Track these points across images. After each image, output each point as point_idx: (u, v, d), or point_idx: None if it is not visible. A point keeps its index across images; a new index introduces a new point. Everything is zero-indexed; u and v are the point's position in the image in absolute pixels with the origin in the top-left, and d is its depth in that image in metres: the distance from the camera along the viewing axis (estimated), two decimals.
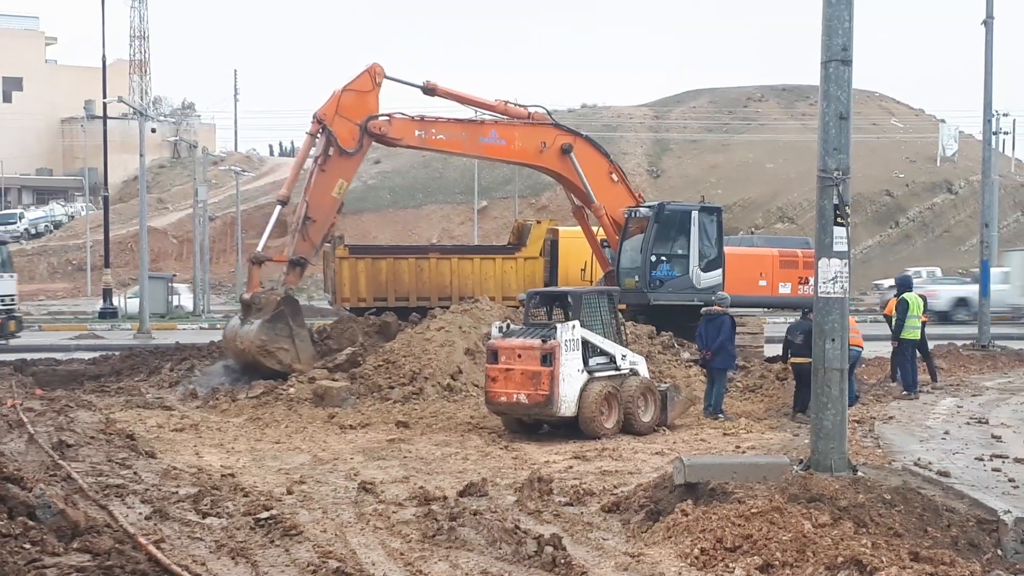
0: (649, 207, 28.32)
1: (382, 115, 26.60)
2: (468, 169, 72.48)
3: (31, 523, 10.59)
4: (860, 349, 21.55)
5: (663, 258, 27.56)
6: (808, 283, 27.75)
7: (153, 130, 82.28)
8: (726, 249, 28.63)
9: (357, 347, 24.92)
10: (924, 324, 24.12)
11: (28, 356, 31.33)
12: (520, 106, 28.43)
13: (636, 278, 27.12)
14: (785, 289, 29.18)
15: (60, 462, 14.70)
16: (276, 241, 29.77)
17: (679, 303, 26.61)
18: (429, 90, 27.59)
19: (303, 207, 26.09)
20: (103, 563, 9.87)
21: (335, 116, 26.11)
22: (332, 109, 26.09)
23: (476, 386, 20.98)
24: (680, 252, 27.74)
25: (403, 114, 27.10)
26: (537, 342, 18.24)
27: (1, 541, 9.91)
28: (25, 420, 17.82)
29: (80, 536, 10.65)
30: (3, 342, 34.44)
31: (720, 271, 27.44)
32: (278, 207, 27.66)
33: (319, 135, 26.27)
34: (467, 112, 28.79)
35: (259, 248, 27.04)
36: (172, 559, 10.07)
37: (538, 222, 35.32)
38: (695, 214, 27.99)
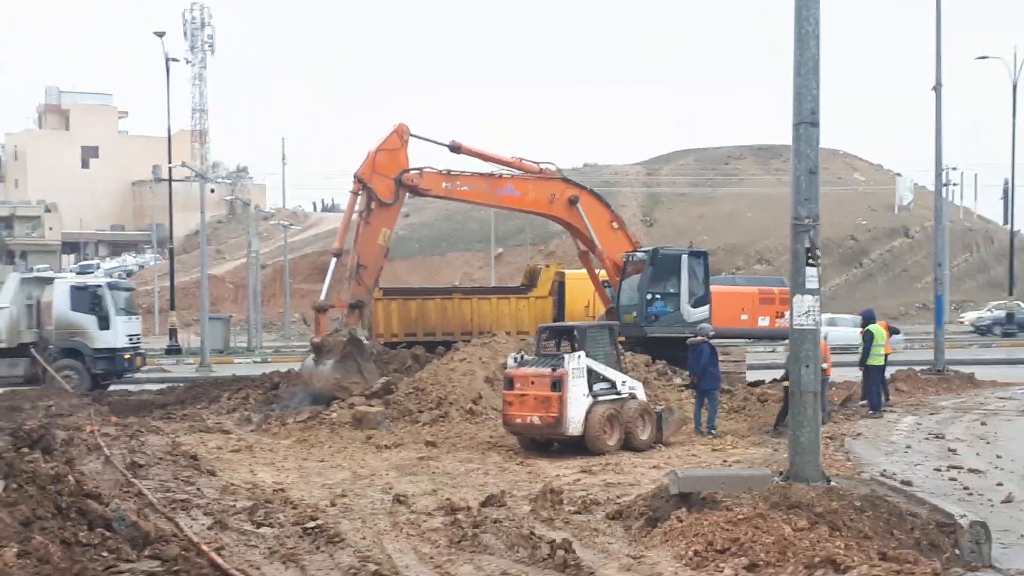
0: (645, 252, 28.42)
1: (414, 169, 26.82)
2: (486, 220, 72.71)
3: (108, 533, 10.62)
4: (829, 376, 21.68)
5: (657, 296, 27.61)
6: (784, 317, 27.76)
7: (212, 191, 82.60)
8: (712, 288, 28.64)
9: (391, 376, 24.93)
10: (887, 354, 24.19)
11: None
12: (533, 163, 28.56)
13: (634, 314, 27.14)
14: (764, 322, 29.18)
15: (132, 480, 14.73)
16: (320, 284, 29.83)
17: (671, 335, 26.57)
18: (455, 148, 27.81)
19: (355, 257, 26.36)
20: (171, 568, 9.88)
21: (372, 174, 26.27)
22: (369, 168, 26.25)
23: (495, 410, 20.96)
24: (672, 291, 27.76)
25: (432, 168, 27.32)
26: (548, 371, 18.25)
27: (82, 550, 9.95)
28: (102, 444, 17.85)
29: (151, 545, 10.67)
30: (130, 375, 34.52)
31: (707, 307, 27.45)
32: (333, 260, 27.65)
33: (360, 192, 26.41)
34: (487, 167, 28.85)
35: (322, 297, 27.13)
36: (231, 564, 10.08)
37: (547, 266, 35.49)
38: (685, 257, 28.07)
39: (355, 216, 26.83)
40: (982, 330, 48.40)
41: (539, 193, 28.51)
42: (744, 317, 28.55)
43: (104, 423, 21.92)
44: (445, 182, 27.54)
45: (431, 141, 27.75)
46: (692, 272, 27.91)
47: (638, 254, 28.25)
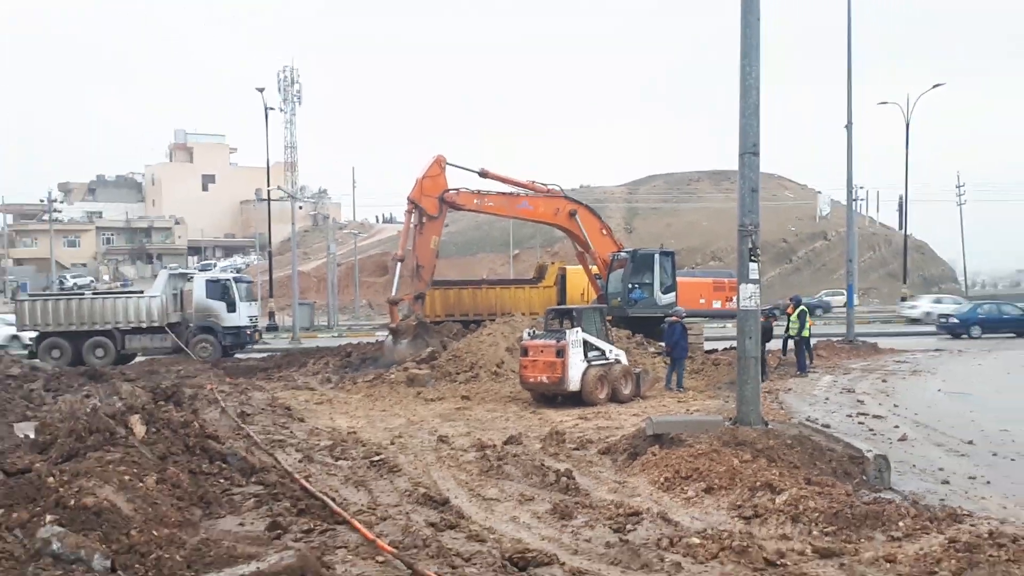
0: (627, 252, 28.44)
1: (452, 189, 26.97)
2: (505, 229, 72.94)
3: (224, 466, 10.75)
4: (767, 322, 21.92)
5: (636, 285, 27.68)
6: (732, 300, 27.66)
7: (300, 207, 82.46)
8: (678, 279, 28.61)
9: (435, 347, 25.00)
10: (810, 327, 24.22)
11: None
12: (542, 184, 28.60)
13: (619, 299, 27.14)
14: (717, 304, 29.08)
15: (242, 425, 14.84)
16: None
17: (647, 315, 26.63)
18: (483, 174, 27.90)
19: (414, 259, 26.65)
20: (271, 491, 9.97)
21: (421, 196, 26.40)
22: (418, 192, 26.41)
23: (513, 372, 20.98)
24: (647, 281, 27.76)
25: (466, 188, 27.54)
26: (553, 342, 18.27)
27: (205, 477, 10.05)
28: (219, 398, 17.97)
29: (256, 474, 10.77)
30: (250, 346, 34.99)
31: (674, 294, 27.42)
32: (398, 264, 27.68)
33: (413, 211, 26.59)
34: (507, 188, 28.91)
35: (392, 293, 27.30)
36: (316, 488, 10.16)
37: (552, 263, 35.50)
38: (657, 256, 28.05)
39: (411, 228, 26.89)
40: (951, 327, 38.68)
41: (547, 207, 28.58)
42: (702, 301, 28.45)
43: (220, 383, 22.08)
44: (476, 199, 27.74)
45: (463, 168, 27.81)
46: (663, 267, 27.90)
47: (621, 254, 28.27)
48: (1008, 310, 38.79)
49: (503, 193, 28.44)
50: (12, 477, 8.14)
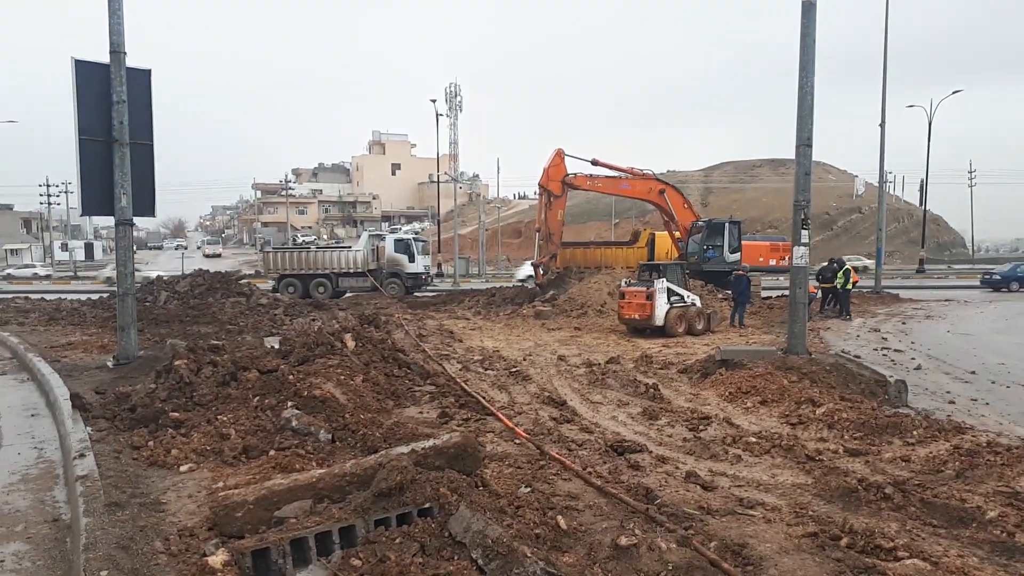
0: (704, 221, 27.83)
1: (570, 174, 26.86)
2: (609, 204, 72.05)
3: (408, 371, 11.03)
4: (814, 294, 21.17)
5: (709, 247, 27.11)
6: (786, 259, 26.60)
7: (460, 187, 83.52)
8: (744, 242, 27.77)
9: (557, 291, 25.04)
10: (855, 282, 23.21)
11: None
12: (640, 170, 28.08)
13: (696, 257, 26.60)
14: (772, 262, 28.13)
15: (420, 343, 15.22)
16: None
17: (717, 269, 26.01)
18: (594, 162, 27.56)
19: (547, 229, 26.78)
20: (441, 390, 10.21)
21: (548, 180, 26.44)
22: (545, 178, 26.49)
23: (613, 310, 20.81)
24: (718, 244, 27.17)
25: (582, 173, 27.29)
26: (644, 288, 18.01)
27: (395, 379, 10.35)
28: (403, 323, 18.49)
29: (430, 377, 11.03)
30: (427, 288, 35.32)
31: (739, 253, 26.75)
32: (536, 234, 27.84)
33: (543, 192, 26.76)
34: (612, 173, 28.47)
35: (535, 258, 27.82)
36: (471, 389, 10.36)
37: (644, 229, 34.76)
38: (727, 224, 27.39)
39: (543, 207, 26.95)
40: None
41: (642, 187, 28.03)
42: (761, 259, 27.57)
43: (404, 313, 22.70)
44: (589, 181, 27.43)
45: (578, 158, 27.53)
46: (731, 233, 27.17)
47: (699, 223, 27.63)
48: None
49: (609, 176, 27.98)
50: (264, 375, 8.58)
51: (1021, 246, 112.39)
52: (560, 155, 26.73)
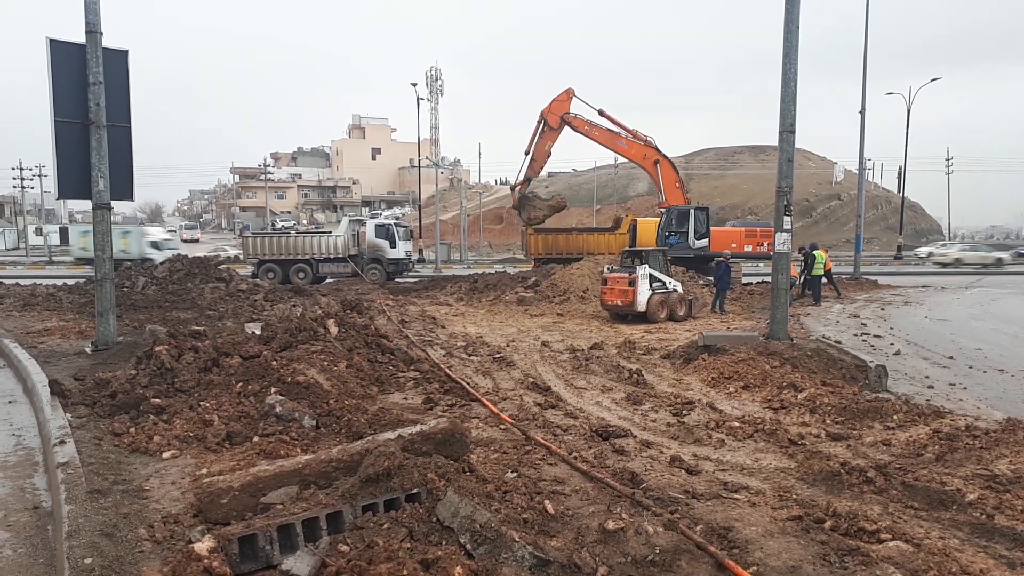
0: (664, 210, 28.36)
1: (571, 113, 27.50)
2: (591, 190, 72.18)
3: (392, 357, 10.99)
4: (795, 279, 21.32)
5: (672, 233, 27.53)
6: (762, 245, 26.67)
7: (441, 173, 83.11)
8: (716, 228, 27.95)
9: (539, 277, 25.02)
10: (829, 269, 23.39)
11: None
12: (643, 135, 28.19)
13: (657, 244, 27.18)
14: (748, 249, 28.12)
15: (403, 329, 15.16)
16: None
17: (682, 255, 26.25)
18: (601, 112, 27.90)
19: (533, 153, 27.99)
20: (425, 376, 10.19)
21: (548, 112, 27.42)
22: (547, 109, 27.46)
23: (595, 296, 20.86)
24: (683, 230, 27.48)
25: (583, 116, 27.81)
26: (627, 275, 18.04)
27: (379, 365, 10.32)
28: (385, 309, 18.40)
29: (413, 364, 11.00)
30: (408, 274, 35.20)
31: (707, 240, 27.09)
32: (526, 157, 28.62)
33: (542, 122, 27.62)
34: (615, 129, 28.55)
35: (517, 179, 29.14)
36: (456, 375, 10.35)
37: (627, 215, 34.90)
38: (692, 211, 27.74)
39: (536, 136, 27.86)
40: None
41: (638, 151, 28.20)
42: (733, 245, 27.45)
43: (386, 299, 22.58)
44: (587, 126, 27.77)
45: (586, 103, 28.03)
46: (697, 219, 27.39)
47: (661, 210, 28.24)
48: None
49: (609, 130, 28.16)
50: (247, 361, 8.51)
51: (996, 232, 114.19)
52: (569, 94, 27.43)
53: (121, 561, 4.17)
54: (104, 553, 4.18)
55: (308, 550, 4.29)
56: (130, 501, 5.12)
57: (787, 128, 11.07)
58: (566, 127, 27.93)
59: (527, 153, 28.29)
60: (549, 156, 28.57)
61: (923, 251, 47.46)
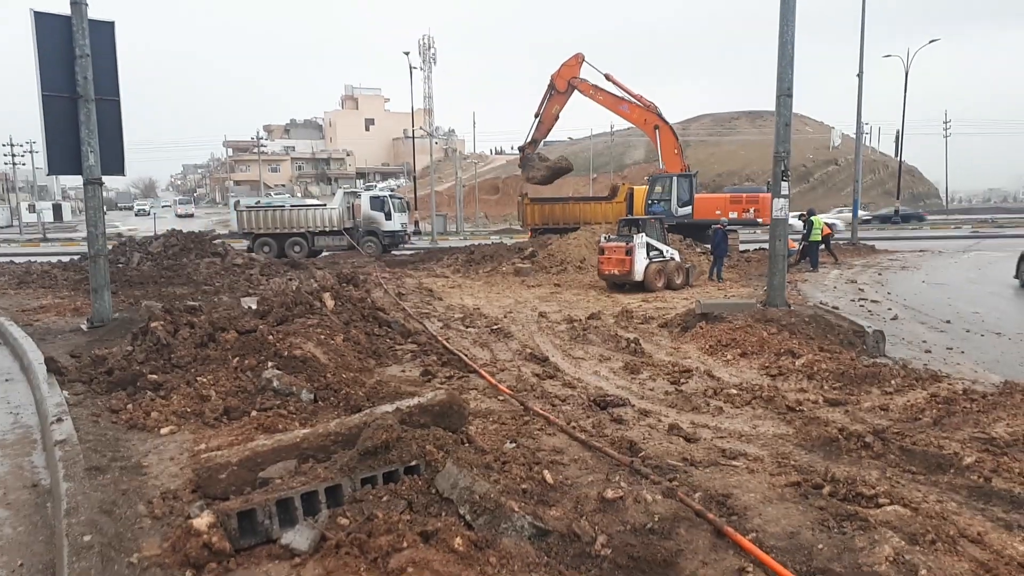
0: (648, 176, 28.60)
1: (578, 78, 27.79)
2: (587, 159, 71.77)
3: (389, 330, 10.98)
4: (793, 249, 21.29)
5: (656, 201, 27.44)
6: (747, 211, 26.45)
7: (436, 143, 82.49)
8: (700, 195, 27.71)
9: (536, 247, 24.97)
10: (828, 235, 23.35)
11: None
12: (648, 100, 28.02)
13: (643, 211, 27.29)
14: (733, 215, 27.73)
15: (399, 301, 15.16)
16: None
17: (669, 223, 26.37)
18: (607, 77, 27.86)
19: (539, 114, 28.31)
20: (423, 348, 10.19)
21: (557, 76, 27.75)
22: (557, 73, 27.80)
23: (592, 266, 20.85)
24: (667, 198, 27.35)
25: (589, 80, 27.97)
26: (624, 244, 18.01)
27: (376, 337, 10.30)
28: (382, 282, 18.38)
29: (411, 336, 10.99)
30: (404, 246, 35.15)
31: (690, 207, 26.98)
32: (535, 119, 28.77)
33: (550, 86, 27.96)
34: (620, 93, 28.50)
35: (526, 142, 29.17)
36: (453, 347, 10.34)
37: (623, 184, 34.78)
38: (675, 178, 27.48)
39: (544, 99, 28.21)
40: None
41: (639, 116, 28.11)
42: (717, 212, 27.13)
43: (382, 271, 22.55)
44: (592, 90, 27.88)
45: (595, 68, 28.02)
46: (680, 186, 27.24)
47: (646, 177, 28.31)
48: None
49: (613, 94, 28.15)
50: (243, 335, 8.48)
51: (993, 196, 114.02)
52: (578, 59, 27.86)
53: (120, 538, 4.17)
54: (103, 530, 4.18)
55: (307, 524, 4.30)
56: (128, 478, 5.11)
57: (784, 92, 10.95)
58: (574, 92, 28.08)
59: (536, 116, 28.58)
60: (557, 119, 28.83)
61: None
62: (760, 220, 25.30)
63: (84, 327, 11.05)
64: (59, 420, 6.15)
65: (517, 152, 30.55)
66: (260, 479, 4.75)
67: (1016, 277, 18.12)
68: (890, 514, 4.49)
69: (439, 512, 4.33)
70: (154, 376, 7.47)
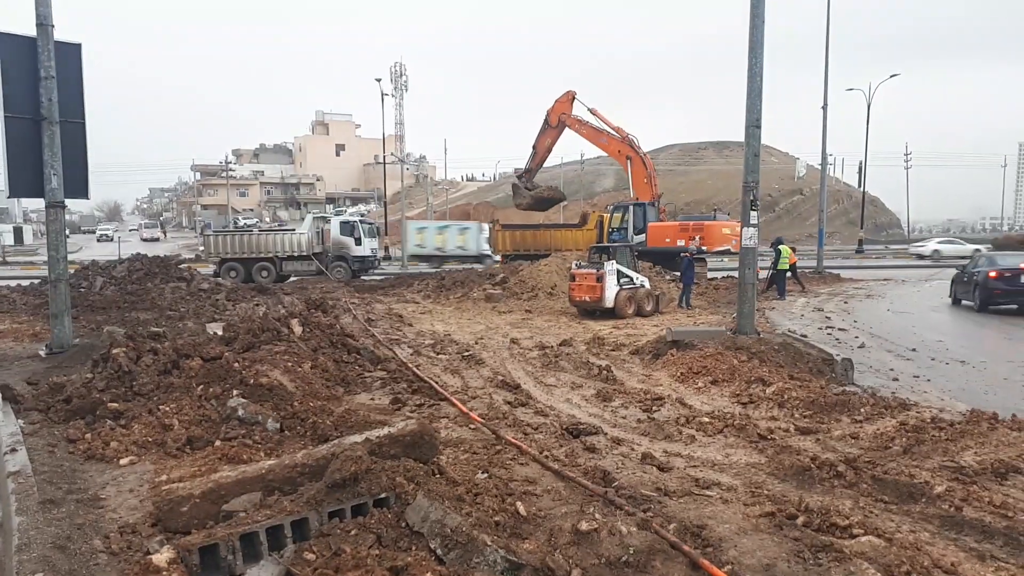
0: (610, 205, 30.19)
1: (573, 115, 29.76)
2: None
3: (358, 356, 10.82)
4: (759, 273, 21.68)
5: (615, 229, 28.43)
6: (695, 240, 26.64)
7: (407, 169, 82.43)
8: (656, 224, 27.98)
9: (507, 273, 24.95)
10: (793, 264, 23.71)
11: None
12: (626, 133, 29.07)
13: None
14: (681, 243, 27.91)
15: (369, 327, 15.00)
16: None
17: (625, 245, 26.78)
18: (592, 111, 29.49)
19: (534, 148, 30.53)
20: (392, 376, 10.05)
21: (551, 111, 29.76)
22: (551, 108, 29.76)
23: (563, 293, 20.87)
24: (624, 226, 28.14)
25: (577, 116, 29.84)
26: (594, 271, 18.10)
27: (344, 365, 10.15)
28: (351, 308, 18.19)
29: (380, 363, 10.85)
30: (374, 271, 34.95)
31: (644, 234, 27.58)
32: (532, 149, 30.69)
33: (545, 119, 29.98)
34: (602, 127, 29.83)
35: (523, 167, 31.60)
36: (424, 374, 10.22)
37: (593, 212, 35.17)
38: (631, 207, 28.42)
39: (541, 131, 30.32)
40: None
41: (615, 147, 29.35)
42: (667, 240, 27.46)
43: (351, 297, 22.34)
44: (577, 125, 29.67)
45: (583, 104, 29.81)
46: (636, 215, 28.12)
47: (609, 206, 30.30)
48: None
49: (596, 128, 29.63)
50: (208, 362, 8.29)
51: (952, 226, 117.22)
52: (569, 96, 29.78)
53: (74, 575, 3.99)
54: (56, 567, 3.99)
55: (272, 559, 4.15)
56: (85, 511, 4.92)
57: (753, 123, 11.12)
58: (565, 128, 29.94)
59: (533, 147, 30.51)
60: (550, 151, 30.79)
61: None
62: (704, 248, 25.54)
63: (43, 353, 10.73)
64: (13, 450, 5.91)
65: (514, 174, 32.64)
66: (224, 512, 4.59)
67: (950, 296, 20.67)
68: (865, 545, 4.47)
69: (409, 546, 4.21)
70: (115, 404, 7.24)
